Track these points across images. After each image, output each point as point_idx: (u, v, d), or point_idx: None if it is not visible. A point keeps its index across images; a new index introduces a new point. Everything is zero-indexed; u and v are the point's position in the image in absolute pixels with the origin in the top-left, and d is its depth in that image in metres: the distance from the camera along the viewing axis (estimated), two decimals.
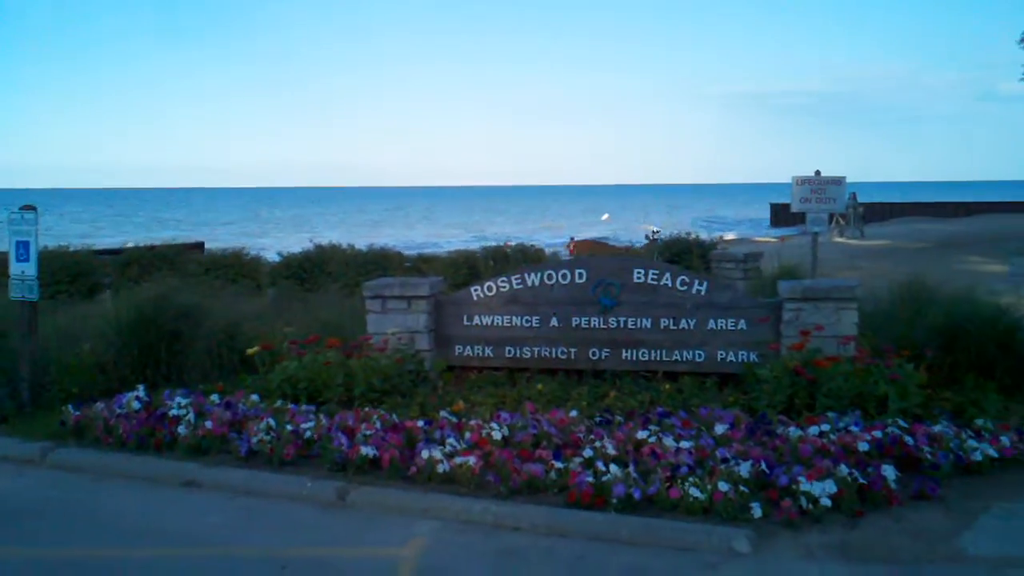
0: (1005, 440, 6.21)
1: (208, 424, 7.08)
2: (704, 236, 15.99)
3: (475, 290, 8.93)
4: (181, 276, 12.89)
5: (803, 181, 13.06)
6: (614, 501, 5.47)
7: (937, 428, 6.35)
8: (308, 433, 6.84)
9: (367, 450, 6.40)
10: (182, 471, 6.62)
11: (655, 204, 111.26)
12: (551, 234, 48.33)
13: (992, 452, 6.07)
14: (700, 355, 8.37)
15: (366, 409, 7.34)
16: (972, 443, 6.12)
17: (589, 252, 15.39)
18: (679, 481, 5.60)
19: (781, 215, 56.85)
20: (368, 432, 6.68)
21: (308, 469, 6.55)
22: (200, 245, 24.07)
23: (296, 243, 17.37)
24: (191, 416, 7.25)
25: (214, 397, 7.73)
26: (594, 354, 8.58)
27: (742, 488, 5.46)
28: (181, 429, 7.10)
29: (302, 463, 6.67)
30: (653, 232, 17.19)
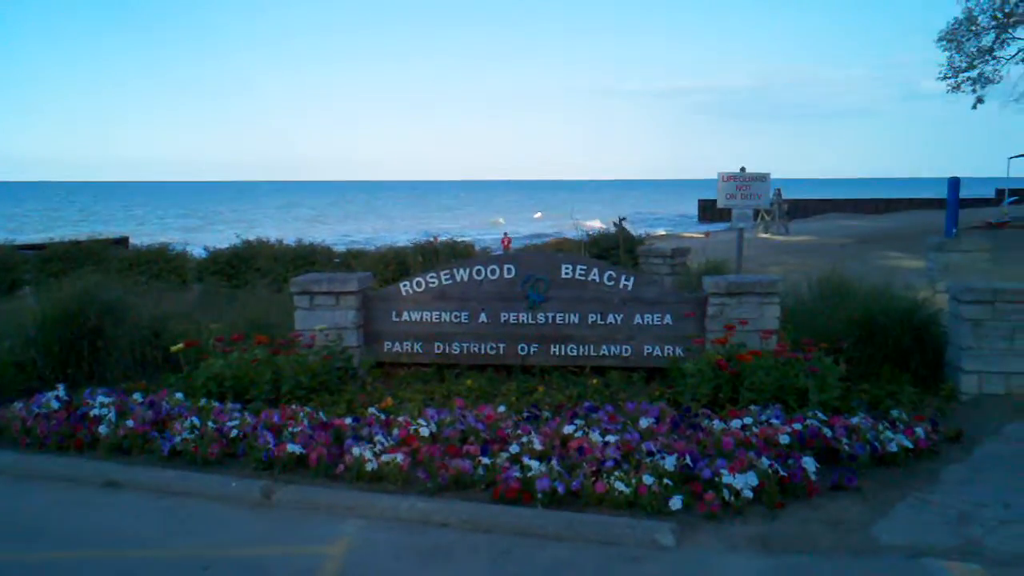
0: (919, 431, 6.39)
1: (130, 423, 6.94)
2: (633, 232, 16.13)
3: (404, 286, 8.91)
4: (104, 272, 12.61)
5: (728, 177, 13.24)
6: (540, 496, 5.51)
7: (855, 420, 6.51)
8: (234, 432, 6.75)
9: (294, 448, 6.34)
10: (104, 471, 6.48)
11: (587, 200, 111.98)
12: (499, 230, 48.39)
13: (907, 443, 6.24)
14: (627, 350, 8.47)
15: (293, 407, 7.28)
16: (888, 434, 6.29)
17: (556, 248, 15.45)
18: (605, 475, 5.66)
19: (709, 211, 57.72)
20: (295, 430, 6.63)
21: (234, 468, 6.47)
22: (124, 240, 23.55)
23: (229, 239, 17.11)
24: (112, 415, 7.10)
25: (137, 396, 7.58)
26: (523, 349, 8.64)
27: (666, 481, 5.54)
28: (102, 429, 6.94)
29: (228, 462, 6.58)
30: (620, 220, 17.37)
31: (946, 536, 5.08)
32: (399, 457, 6.10)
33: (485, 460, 5.99)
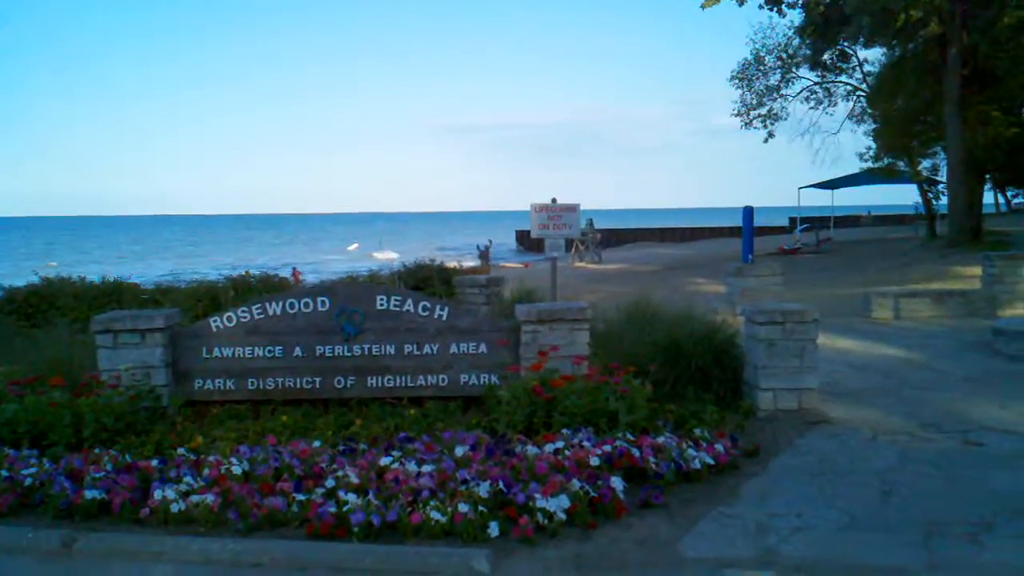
0: (719, 447, 6.74)
1: None
2: (450, 263, 16.29)
3: (214, 321, 8.64)
4: None
5: (541, 208, 13.59)
6: (356, 530, 5.45)
7: (661, 439, 6.78)
8: (29, 480, 6.36)
9: (94, 494, 6.03)
10: None
11: (408, 231, 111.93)
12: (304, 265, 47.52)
13: (709, 459, 6.57)
14: (444, 379, 8.53)
15: (97, 451, 6.93)
16: (691, 452, 6.60)
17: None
18: (421, 505, 5.66)
19: (527, 241, 58.90)
20: (98, 475, 6.30)
21: (31, 518, 6.08)
22: None
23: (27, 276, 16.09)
24: None
25: None
26: (339, 383, 8.54)
27: (482, 508, 5.59)
28: None
29: (24, 512, 6.19)
30: (487, 244, 17.51)
31: (746, 547, 5.34)
32: (209, 498, 5.90)
33: (299, 496, 5.89)
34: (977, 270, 17.08)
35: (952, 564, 5.04)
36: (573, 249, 37.13)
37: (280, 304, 8.59)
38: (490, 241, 16.86)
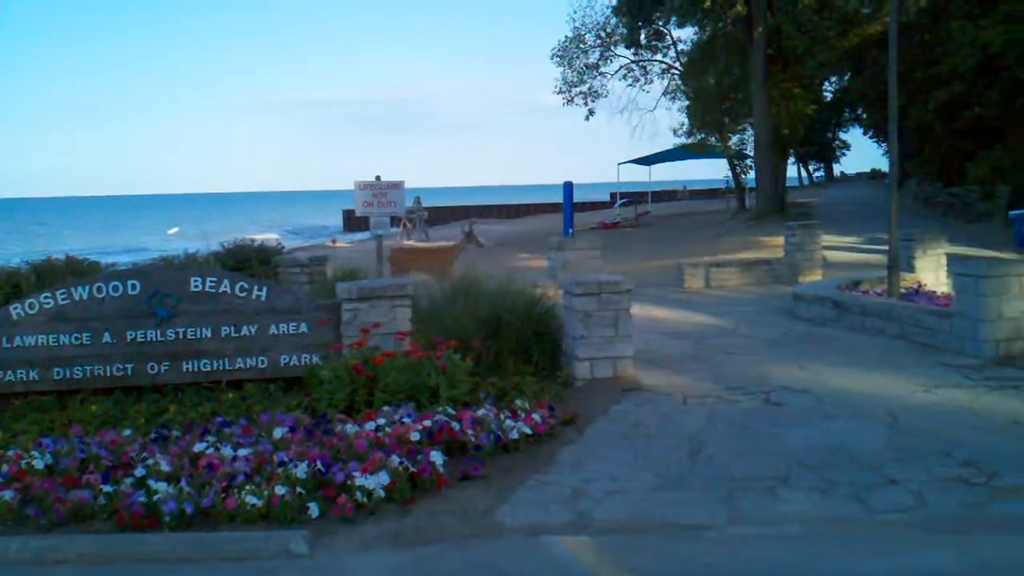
0: (537, 417, 6.90)
1: None
2: (272, 242, 15.91)
3: (15, 309, 8.14)
4: None
5: (365, 186, 13.48)
6: (167, 519, 5.29)
7: (481, 412, 6.88)
8: None
9: None
10: None
11: (233, 212, 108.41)
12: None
13: (527, 429, 6.72)
14: (263, 361, 8.35)
15: None
16: (510, 423, 6.73)
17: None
18: (236, 490, 5.55)
19: (354, 220, 58.21)
20: None
21: None
22: None
23: None
24: None
25: None
26: (153, 368, 8.23)
27: (300, 490, 5.53)
28: None
29: None
30: (470, 224, 17.09)
31: (562, 513, 5.50)
32: (8, 495, 5.59)
33: (107, 488, 5.65)
34: (781, 240, 18.09)
35: (751, 517, 5.36)
36: (401, 227, 36.99)
37: (87, 289, 8.19)
38: (473, 221, 16.56)
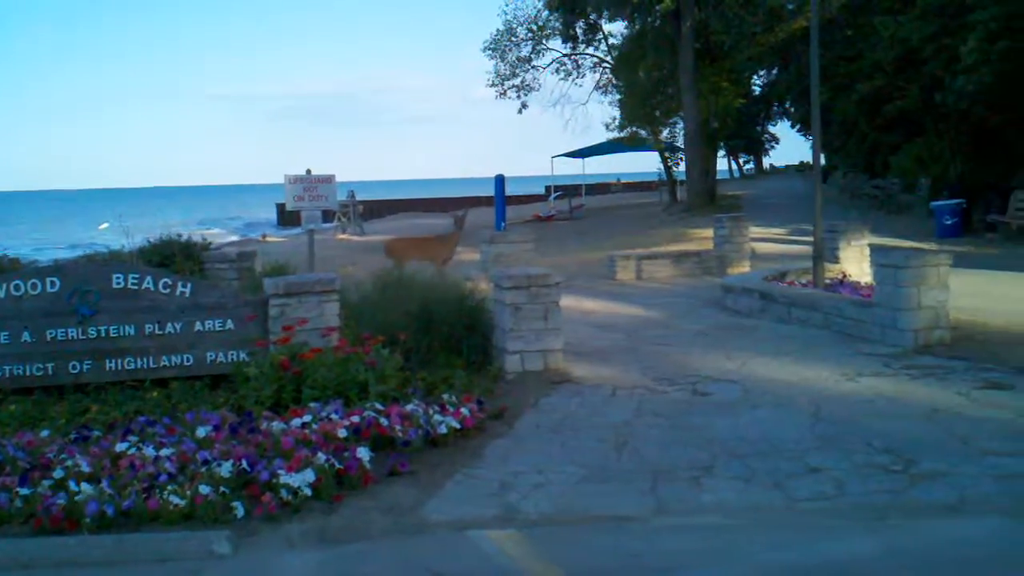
0: (466, 411, 6.88)
1: None
2: (198, 238, 15.64)
3: None
4: None
5: (295, 180, 13.29)
6: (87, 521, 5.17)
7: (410, 407, 6.84)
8: None
9: None
10: None
11: (166, 206, 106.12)
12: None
13: (455, 423, 6.69)
14: (189, 359, 8.20)
15: None
16: (438, 417, 6.70)
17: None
18: (159, 490, 5.45)
19: (288, 215, 57.51)
20: None
21: None
22: None
23: None
24: None
25: None
26: (75, 367, 8.03)
27: (224, 489, 5.45)
28: None
29: None
30: (463, 213, 16.76)
31: (489, 506, 5.50)
32: None
33: (23, 491, 5.49)
34: (711, 232, 18.33)
35: (676, 507, 5.42)
36: (336, 221, 36.68)
37: (4, 287, 7.97)
38: (465, 211, 16.15)
